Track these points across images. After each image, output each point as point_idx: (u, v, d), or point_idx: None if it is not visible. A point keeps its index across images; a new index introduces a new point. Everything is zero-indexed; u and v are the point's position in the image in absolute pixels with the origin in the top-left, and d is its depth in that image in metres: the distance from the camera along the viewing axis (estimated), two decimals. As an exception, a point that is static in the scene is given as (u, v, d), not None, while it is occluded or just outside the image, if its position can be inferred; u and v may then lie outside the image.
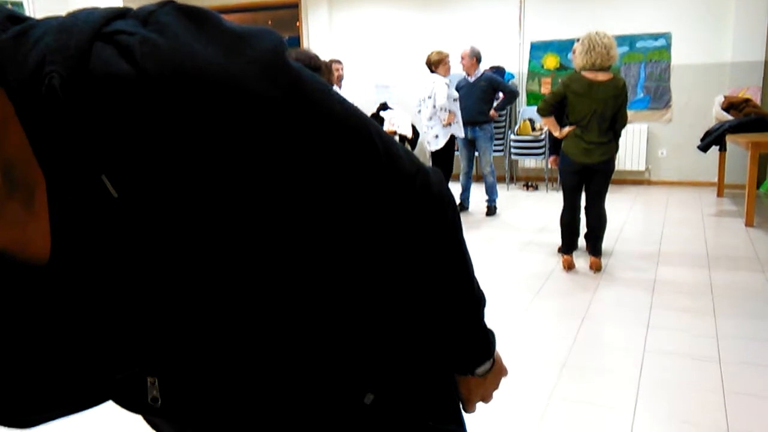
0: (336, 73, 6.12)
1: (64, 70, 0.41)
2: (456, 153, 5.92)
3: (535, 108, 7.36)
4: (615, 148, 3.84)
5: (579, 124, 3.77)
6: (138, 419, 0.65)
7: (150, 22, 0.45)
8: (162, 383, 0.56)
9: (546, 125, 4.01)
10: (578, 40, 3.82)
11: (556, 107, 3.85)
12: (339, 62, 6.25)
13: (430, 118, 5.54)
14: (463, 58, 5.67)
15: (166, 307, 0.51)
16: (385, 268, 0.63)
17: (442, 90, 5.37)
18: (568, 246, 4.11)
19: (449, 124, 5.50)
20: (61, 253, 0.47)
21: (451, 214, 0.66)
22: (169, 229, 0.46)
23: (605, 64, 3.68)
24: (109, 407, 0.60)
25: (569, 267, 4.06)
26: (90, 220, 0.45)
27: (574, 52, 4.29)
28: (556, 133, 3.93)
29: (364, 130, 0.56)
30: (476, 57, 5.72)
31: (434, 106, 5.43)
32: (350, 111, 0.55)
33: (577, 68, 3.83)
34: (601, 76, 3.70)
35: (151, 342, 0.53)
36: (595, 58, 3.65)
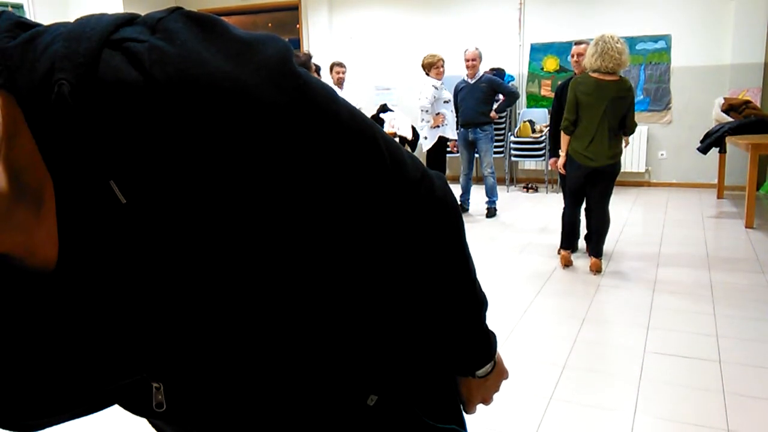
0: (336, 76, 6.10)
1: (73, 77, 0.42)
2: (456, 155, 5.93)
3: (534, 110, 7.40)
4: (621, 150, 3.82)
5: (588, 126, 3.75)
6: (141, 421, 0.65)
7: (158, 29, 0.45)
8: (167, 388, 0.56)
9: (563, 142, 3.94)
10: (576, 42, 3.81)
11: (576, 119, 3.81)
12: (341, 65, 6.17)
13: (421, 120, 5.72)
14: (474, 59, 5.64)
15: (172, 312, 0.51)
16: (389, 271, 0.64)
17: (426, 92, 5.52)
18: (567, 242, 4.12)
19: (437, 126, 5.63)
20: (68, 259, 0.47)
21: (454, 220, 0.67)
22: (177, 234, 0.47)
23: (616, 69, 3.67)
24: (114, 408, 0.61)
25: (566, 264, 4.05)
26: (98, 226, 0.46)
27: (573, 56, 4.29)
28: (563, 154, 3.93)
29: (370, 136, 0.56)
30: (480, 58, 5.75)
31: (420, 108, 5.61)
32: (356, 116, 0.56)
33: (585, 68, 3.82)
34: (609, 77, 3.70)
35: (158, 347, 0.53)
36: (608, 63, 3.63)
